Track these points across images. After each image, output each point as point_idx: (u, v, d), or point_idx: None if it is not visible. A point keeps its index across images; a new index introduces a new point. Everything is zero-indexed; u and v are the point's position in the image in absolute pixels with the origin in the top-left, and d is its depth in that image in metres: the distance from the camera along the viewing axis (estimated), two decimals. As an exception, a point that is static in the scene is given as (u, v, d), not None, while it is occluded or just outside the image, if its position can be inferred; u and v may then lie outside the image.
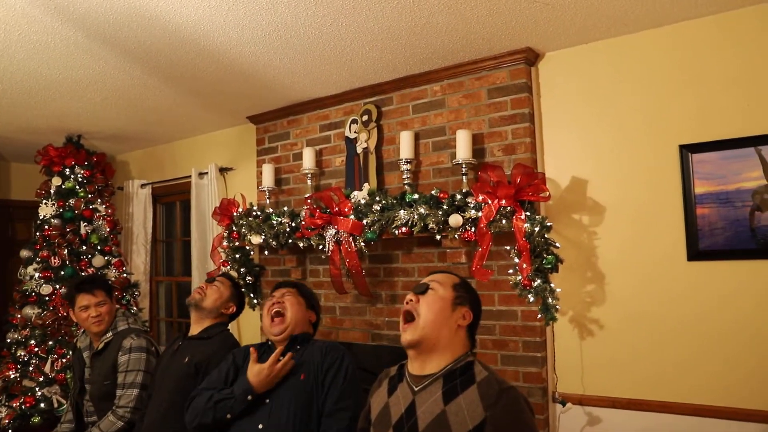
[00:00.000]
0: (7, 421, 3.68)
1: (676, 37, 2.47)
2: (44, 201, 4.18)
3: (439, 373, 1.55)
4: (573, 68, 2.72)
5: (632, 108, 2.57)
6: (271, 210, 3.39)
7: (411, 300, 1.62)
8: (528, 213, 2.45)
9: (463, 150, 2.71)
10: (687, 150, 2.42)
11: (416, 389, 1.55)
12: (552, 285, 2.42)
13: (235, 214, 3.52)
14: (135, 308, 4.27)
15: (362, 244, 2.88)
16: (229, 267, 3.55)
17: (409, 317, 1.60)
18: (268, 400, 2.03)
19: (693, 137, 2.42)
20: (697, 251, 2.39)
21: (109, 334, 2.81)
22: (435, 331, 1.56)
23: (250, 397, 2.02)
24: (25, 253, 4.09)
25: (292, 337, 2.19)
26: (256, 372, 2.04)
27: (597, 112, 2.66)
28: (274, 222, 3.26)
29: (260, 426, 1.99)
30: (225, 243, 3.57)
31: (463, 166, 2.71)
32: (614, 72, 2.62)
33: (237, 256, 3.55)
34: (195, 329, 2.61)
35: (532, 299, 2.43)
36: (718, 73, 2.38)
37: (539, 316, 2.46)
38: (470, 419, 1.42)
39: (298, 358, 2.12)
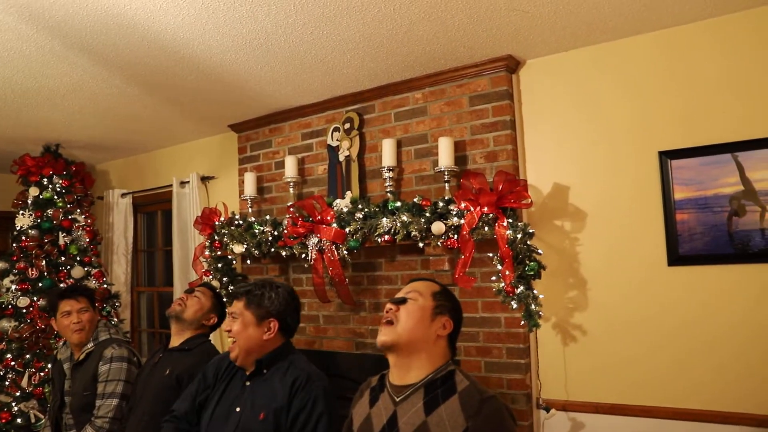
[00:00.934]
0: (-18, 437, 3.60)
1: (655, 45, 2.50)
2: (21, 212, 4.10)
3: (419, 383, 1.54)
4: (554, 75, 2.74)
5: (613, 115, 2.59)
6: (253, 219, 3.37)
7: (391, 309, 1.61)
8: (510, 220, 2.46)
9: (445, 157, 2.71)
10: (666, 156, 2.44)
11: (397, 400, 1.54)
12: (535, 291, 2.43)
13: (217, 223, 3.48)
14: (116, 319, 4.20)
15: (345, 252, 2.87)
16: (211, 277, 3.51)
17: (389, 324, 1.59)
18: None
19: (672, 143, 2.44)
20: (677, 256, 2.41)
21: (91, 345, 2.78)
22: (412, 338, 1.55)
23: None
24: (1, 265, 4.00)
25: (257, 362, 2.03)
26: None
27: (578, 118, 2.68)
28: (257, 231, 3.24)
29: None
30: (207, 252, 3.54)
31: (446, 173, 2.71)
32: (595, 79, 2.64)
33: (219, 265, 3.51)
34: (176, 341, 2.58)
35: (515, 306, 2.43)
36: (697, 79, 2.41)
37: (522, 322, 2.47)
38: (452, 429, 1.41)
39: (264, 390, 1.96)
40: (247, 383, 2.04)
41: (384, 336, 1.57)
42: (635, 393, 2.47)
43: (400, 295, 1.65)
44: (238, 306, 2.07)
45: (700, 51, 2.41)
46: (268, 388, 1.98)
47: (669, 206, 2.43)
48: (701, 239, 2.37)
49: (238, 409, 1.98)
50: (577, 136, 2.68)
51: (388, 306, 1.62)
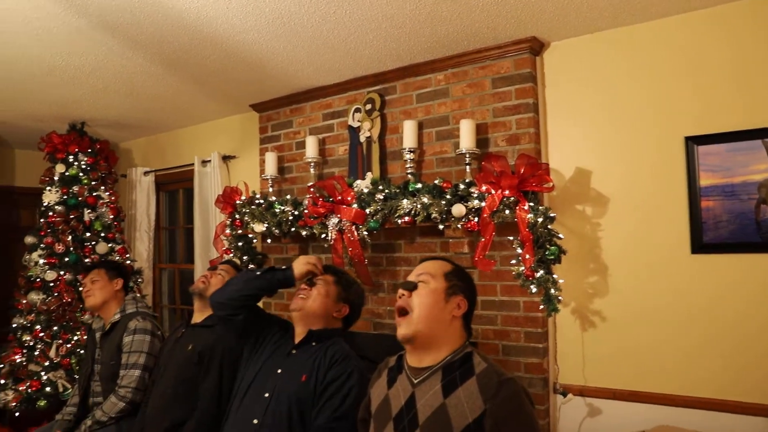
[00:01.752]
0: (14, 404, 3.72)
1: (683, 27, 2.44)
2: (48, 188, 4.18)
3: (437, 365, 1.54)
4: (578, 58, 2.70)
5: (638, 99, 2.55)
6: (274, 198, 3.39)
7: (403, 295, 1.59)
8: (531, 203, 2.44)
9: (466, 140, 2.69)
10: (693, 142, 2.40)
11: (415, 382, 1.54)
12: (554, 276, 2.42)
13: (237, 202, 3.51)
14: (138, 295, 4.29)
15: (365, 233, 2.88)
16: (231, 255, 3.55)
17: (403, 312, 1.57)
18: (267, 395, 2.00)
19: (699, 129, 2.40)
20: (701, 244, 2.38)
21: (117, 316, 2.88)
22: (430, 324, 1.54)
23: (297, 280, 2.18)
24: (29, 240, 4.10)
25: (310, 332, 2.11)
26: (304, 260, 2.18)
27: (602, 102, 2.63)
28: (277, 210, 3.26)
29: (255, 421, 1.96)
30: (228, 231, 3.58)
31: (467, 155, 2.70)
32: (620, 62, 2.59)
33: (240, 244, 3.55)
34: (198, 317, 2.62)
35: (534, 290, 2.43)
36: (725, 64, 2.35)
37: (541, 307, 2.46)
38: (470, 412, 1.42)
39: (308, 358, 2.05)
40: (293, 351, 2.10)
41: (404, 330, 1.56)
42: (654, 380, 2.47)
43: (411, 278, 1.63)
44: (328, 278, 2.19)
45: (730, 34, 2.34)
46: (310, 357, 2.05)
47: (694, 193, 2.39)
48: (727, 227, 2.33)
49: (279, 371, 2.05)
50: (602, 120, 2.63)
51: (400, 292, 1.60)
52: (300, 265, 2.17)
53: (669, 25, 2.47)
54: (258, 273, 2.19)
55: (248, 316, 2.20)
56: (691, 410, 2.36)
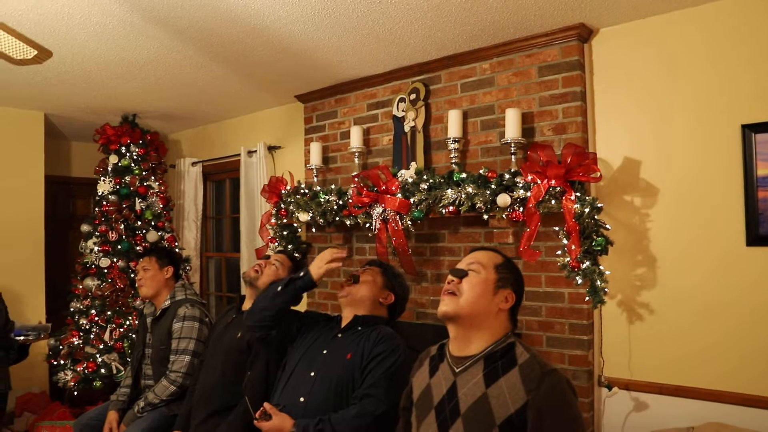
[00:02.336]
0: (72, 383, 3.91)
1: (739, 10, 2.34)
2: (102, 178, 4.36)
3: (480, 354, 1.53)
4: (627, 45, 2.62)
5: (691, 86, 2.46)
6: (318, 188, 3.44)
7: (452, 281, 1.58)
8: (578, 194, 2.40)
9: (512, 129, 2.67)
10: (750, 130, 2.31)
11: (457, 371, 1.54)
12: (601, 267, 2.38)
13: (283, 191, 3.58)
14: (187, 282, 4.42)
15: (409, 222, 2.89)
16: (277, 244, 3.62)
17: (452, 294, 1.57)
18: (312, 374, 2.06)
19: (757, 116, 2.30)
20: (757, 236, 2.29)
21: (168, 302, 2.97)
22: (474, 311, 1.53)
23: (315, 281, 2.20)
24: (85, 228, 4.29)
25: (356, 317, 2.16)
26: (322, 257, 2.20)
27: (653, 90, 2.56)
28: (322, 200, 3.31)
29: (302, 399, 2.02)
30: (273, 220, 3.64)
31: (512, 145, 2.67)
32: (671, 48, 2.51)
33: (285, 233, 3.62)
34: (248, 304, 2.68)
35: (580, 281, 2.40)
36: (786, 48, 2.25)
37: (587, 298, 2.43)
38: (512, 402, 1.41)
39: (353, 340, 2.10)
40: (339, 335, 2.15)
41: (446, 306, 1.55)
42: (703, 376, 2.40)
43: (461, 266, 1.61)
44: (375, 270, 2.26)
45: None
46: (356, 339, 2.10)
47: (751, 183, 2.31)
48: (785, 218, 2.25)
49: (325, 352, 2.11)
50: (652, 109, 2.56)
51: (450, 278, 1.59)
52: (316, 268, 2.19)
53: (724, 7, 2.38)
54: (279, 289, 2.21)
55: (282, 329, 2.25)
56: (742, 408, 2.29)
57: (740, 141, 2.33)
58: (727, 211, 2.37)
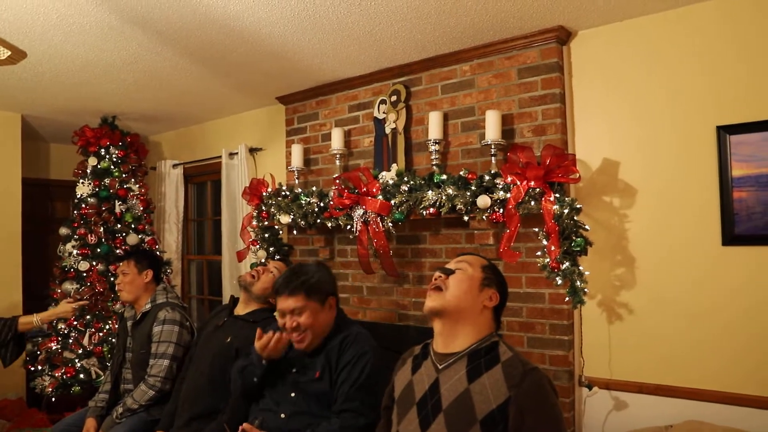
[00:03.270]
0: (50, 389, 3.85)
1: (714, 14, 2.38)
2: (81, 180, 4.29)
3: (463, 351, 1.56)
4: (606, 47, 2.65)
5: (667, 88, 2.49)
6: (299, 190, 3.42)
7: (440, 276, 1.63)
8: (557, 195, 2.42)
9: (492, 131, 2.68)
10: (725, 131, 2.34)
11: (440, 367, 1.56)
12: (580, 268, 2.40)
13: (264, 194, 3.56)
14: (168, 285, 4.38)
15: (390, 224, 2.89)
16: (258, 246, 3.60)
17: (438, 290, 1.61)
18: (293, 394, 2.05)
19: (732, 118, 2.34)
20: (732, 236, 2.33)
21: (148, 306, 2.94)
22: (460, 305, 1.57)
23: (264, 362, 2.08)
24: (63, 231, 4.23)
25: (325, 339, 2.11)
26: (258, 347, 2.10)
27: (630, 92, 2.59)
28: (303, 202, 3.29)
29: (282, 415, 2.02)
30: (254, 222, 3.63)
31: (492, 146, 2.68)
32: (648, 51, 2.54)
33: (266, 235, 3.60)
34: (241, 309, 2.67)
35: (560, 282, 2.42)
36: (759, 51, 2.28)
37: (567, 299, 2.44)
38: (494, 398, 1.43)
39: (317, 355, 2.07)
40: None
41: (432, 301, 1.59)
42: (682, 375, 2.43)
43: (449, 266, 1.66)
44: (298, 300, 2.04)
45: (764, 20, 2.27)
46: (321, 353, 2.08)
47: (726, 184, 2.34)
48: (761, 218, 2.28)
49: (294, 370, 2.09)
50: (630, 110, 2.59)
51: (437, 274, 1.63)
52: (259, 353, 2.08)
53: (699, 11, 2.41)
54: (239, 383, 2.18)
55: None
56: (720, 405, 2.32)
57: (716, 142, 2.37)
58: (704, 211, 2.40)
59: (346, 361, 1.99)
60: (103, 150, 4.32)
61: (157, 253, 4.31)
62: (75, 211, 4.27)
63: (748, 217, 2.30)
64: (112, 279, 3.93)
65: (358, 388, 1.95)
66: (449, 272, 1.63)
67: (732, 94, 2.34)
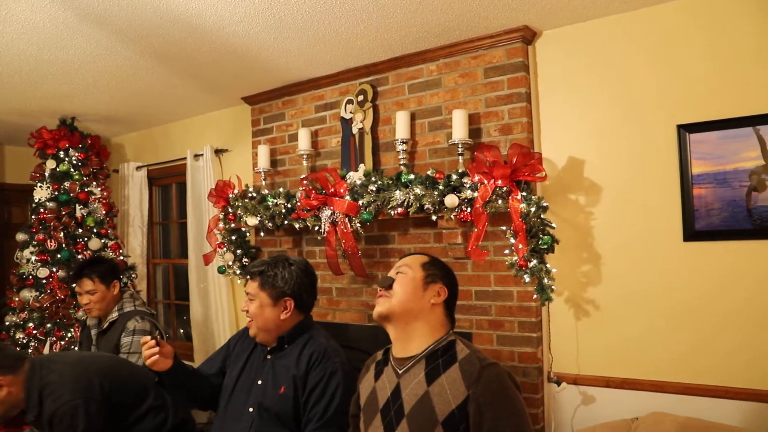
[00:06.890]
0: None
1: (674, 15, 2.43)
2: (39, 184, 4.15)
3: (421, 354, 1.56)
4: (570, 47, 2.69)
5: (630, 87, 2.54)
6: (266, 191, 3.38)
7: (381, 290, 1.63)
8: (524, 193, 2.44)
9: (459, 130, 2.68)
10: (685, 130, 2.40)
11: (400, 372, 1.56)
12: (548, 265, 2.42)
13: (230, 195, 3.50)
14: (132, 290, 4.27)
15: (358, 225, 2.87)
16: (225, 249, 3.54)
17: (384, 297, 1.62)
18: (251, 409, 1.98)
19: (692, 117, 2.39)
20: (693, 232, 2.38)
21: (115, 314, 2.86)
22: (407, 307, 1.57)
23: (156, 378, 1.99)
24: (21, 237, 4.07)
25: (279, 338, 2.04)
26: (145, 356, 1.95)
27: (595, 91, 2.63)
28: (270, 203, 3.25)
29: None
30: (221, 225, 3.57)
31: (459, 146, 2.69)
32: (613, 51, 2.58)
33: (233, 237, 3.54)
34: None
35: (527, 280, 2.43)
36: (719, 51, 2.34)
37: (535, 296, 2.47)
38: (453, 398, 1.43)
39: (283, 364, 2.00)
40: (268, 357, 2.07)
41: (379, 307, 1.60)
42: (647, 368, 2.47)
43: (390, 273, 1.67)
44: (252, 286, 2.03)
45: (720, 21, 2.33)
46: (287, 362, 2.01)
47: (686, 181, 2.39)
48: (719, 215, 2.34)
49: (260, 382, 2.02)
50: (594, 109, 2.63)
51: (379, 292, 1.64)
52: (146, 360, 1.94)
53: (660, 12, 2.46)
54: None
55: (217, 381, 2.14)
56: (685, 396, 2.37)
57: (676, 140, 2.42)
58: (665, 208, 2.45)
59: (315, 382, 1.92)
60: (62, 152, 4.18)
61: (122, 258, 4.20)
62: (33, 216, 4.11)
63: (707, 213, 2.36)
64: (74, 285, 3.81)
65: (334, 411, 1.89)
66: (389, 282, 1.62)
67: (692, 94, 2.40)
